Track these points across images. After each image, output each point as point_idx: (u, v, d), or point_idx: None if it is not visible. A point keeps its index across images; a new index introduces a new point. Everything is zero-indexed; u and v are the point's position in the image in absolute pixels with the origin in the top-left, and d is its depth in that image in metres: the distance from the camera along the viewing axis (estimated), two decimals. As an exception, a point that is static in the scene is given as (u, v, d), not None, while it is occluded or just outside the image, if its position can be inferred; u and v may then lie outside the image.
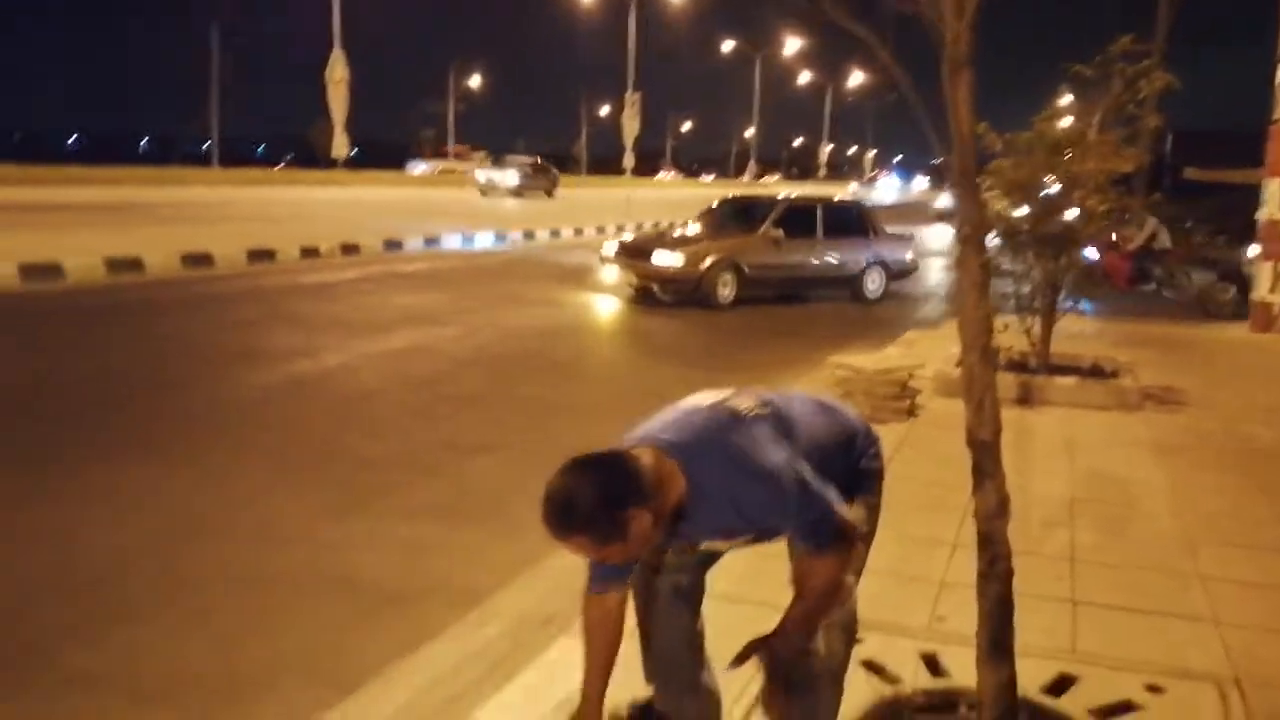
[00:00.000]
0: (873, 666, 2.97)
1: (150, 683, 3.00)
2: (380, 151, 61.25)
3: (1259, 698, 2.86)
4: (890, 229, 14.41)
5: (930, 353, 7.75)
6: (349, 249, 15.44)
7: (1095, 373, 7.21)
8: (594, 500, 1.92)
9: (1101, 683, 2.91)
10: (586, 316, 11.41)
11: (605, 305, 11.98)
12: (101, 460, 5.08)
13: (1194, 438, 5.98)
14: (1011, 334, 6.92)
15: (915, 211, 34.14)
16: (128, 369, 7.24)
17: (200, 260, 13.04)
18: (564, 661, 2.97)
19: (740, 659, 2.12)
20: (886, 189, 75.59)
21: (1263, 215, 10.46)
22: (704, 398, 2.22)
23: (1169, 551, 4.06)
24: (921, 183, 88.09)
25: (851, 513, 2.22)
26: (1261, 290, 10.47)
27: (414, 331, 9.18)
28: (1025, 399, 6.66)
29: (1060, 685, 2.90)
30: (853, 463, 2.34)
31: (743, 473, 2.04)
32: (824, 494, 2.08)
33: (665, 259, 11.78)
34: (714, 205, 13.92)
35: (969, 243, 2.34)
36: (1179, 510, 4.58)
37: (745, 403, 2.16)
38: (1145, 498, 4.77)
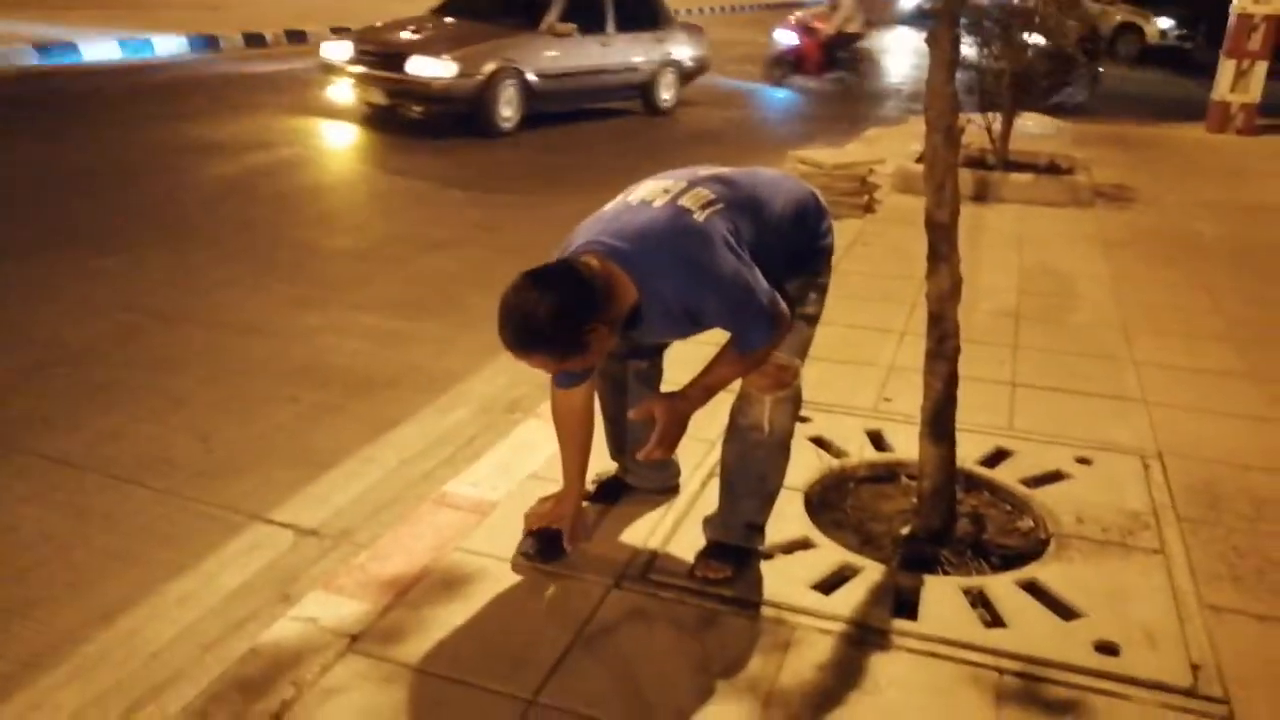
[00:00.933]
0: (820, 442, 3.13)
1: (128, 463, 3.09)
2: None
3: (1178, 468, 3.09)
4: (683, 18, 11.97)
5: (891, 149, 7.71)
6: (295, 36, 14.65)
7: (1051, 170, 7.26)
8: (552, 318, 1.94)
9: (1034, 455, 3.11)
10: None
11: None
12: (61, 252, 4.99)
13: (1141, 233, 6.12)
14: (972, 130, 6.89)
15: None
16: (79, 160, 6.97)
17: (140, 46, 12.33)
18: (531, 441, 3.11)
19: (641, 410, 2.22)
20: None
21: (1233, 9, 10.27)
22: (654, 192, 2.18)
23: (1107, 339, 4.24)
24: None
25: (798, 308, 2.31)
26: (1221, 89, 10.41)
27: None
28: (981, 195, 6.71)
29: (996, 458, 3.09)
30: (806, 239, 2.37)
31: (695, 280, 2.05)
32: (767, 307, 2.10)
33: (427, 68, 8.40)
34: None
35: (940, 19, 2.30)
36: (1120, 301, 4.75)
37: (699, 199, 2.14)
38: (1089, 290, 4.93)
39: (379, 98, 8.68)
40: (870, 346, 4.00)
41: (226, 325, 4.24)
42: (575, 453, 2.47)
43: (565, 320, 1.96)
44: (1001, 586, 2.45)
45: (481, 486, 2.84)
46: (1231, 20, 10.29)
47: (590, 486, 2.77)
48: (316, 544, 2.71)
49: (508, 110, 8.81)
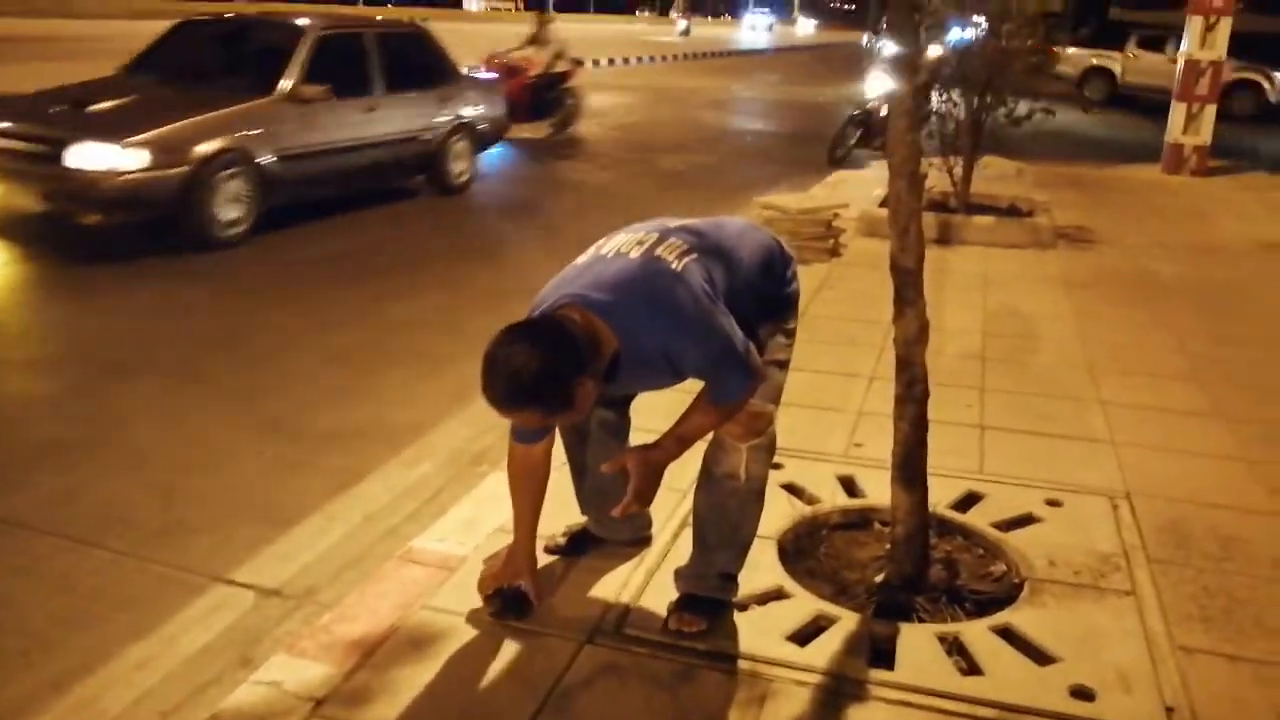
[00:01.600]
0: (792, 489, 3.12)
1: (84, 524, 3.01)
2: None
3: (1146, 508, 3.10)
4: (482, 79, 9.69)
5: (855, 193, 7.80)
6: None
7: (1012, 212, 7.37)
8: (541, 375, 1.92)
9: (1005, 498, 3.11)
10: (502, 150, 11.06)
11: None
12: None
13: (1102, 274, 6.21)
14: (934, 174, 7.00)
15: (839, 54, 33.58)
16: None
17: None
18: (498, 494, 3.05)
19: (614, 464, 2.19)
20: (754, 27, 67.96)
21: (1182, 54, 10.56)
22: (628, 244, 2.18)
23: (1073, 380, 4.27)
24: (806, 25, 78.91)
25: (768, 354, 2.33)
26: (1174, 132, 10.67)
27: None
28: (944, 238, 6.80)
29: (967, 502, 3.09)
30: (774, 286, 2.38)
31: (674, 328, 2.05)
32: (744, 356, 2.10)
33: (99, 158, 5.69)
34: (166, 36, 7.55)
35: (901, 69, 2.33)
36: (1084, 342, 4.80)
37: (673, 249, 2.14)
38: (1053, 330, 4.98)
39: (35, 200, 5.91)
40: (840, 391, 4.01)
41: (186, 377, 4.17)
42: (529, 507, 2.43)
43: (554, 377, 1.94)
44: (976, 633, 2.43)
45: (448, 542, 2.79)
46: (1180, 66, 10.58)
47: (560, 539, 2.74)
48: (279, 604, 2.64)
49: (233, 211, 6.17)
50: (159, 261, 5.86)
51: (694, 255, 2.14)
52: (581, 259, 2.23)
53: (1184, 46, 10.50)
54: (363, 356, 4.51)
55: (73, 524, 3.00)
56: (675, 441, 2.19)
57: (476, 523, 2.89)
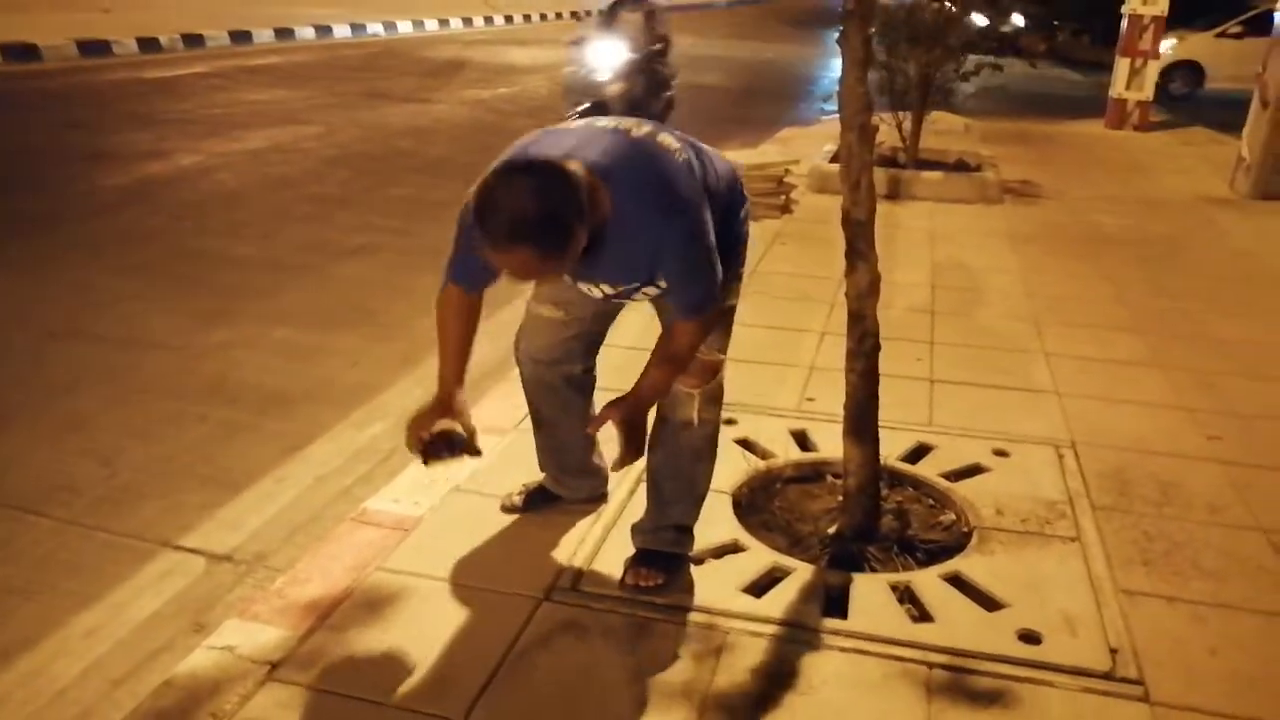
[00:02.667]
0: (746, 444, 3.14)
1: (26, 492, 2.94)
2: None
3: (1090, 456, 3.17)
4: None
5: (805, 149, 7.81)
6: (191, 39, 14.22)
7: (960, 167, 7.43)
8: (546, 212, 1.80)
9: (954, 450, 3.16)
10: (462, 113, 10.95)
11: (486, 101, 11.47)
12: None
13: (1046, 228, 6.30)
14: (883, 130, 7.01)
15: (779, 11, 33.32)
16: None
17: (24, 53, 11.82)
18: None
19: (598, 423, 2.15)
20: None
21: (1125, 10, 10.66)
22: (627, 124, 2.11)
23: (1019, 332, 4.34)
24: None
25: (726, 300, 2.27)
26: (1117, 86, 10.80)
27: (271, 130, 8.66)
28: (894, 193, 6.84)
29: (917, 453, 3.14)
30: (734, 218, 2.29)
31: (671, 221, 1.98)
32: (717, 268, 2.07)
33: None
34: None
35: (852, 19, 2.32)
36: (1030, 295, 4.88)
37: (673, 140, 2.09)
38: (1000, 284, 5.05)
39: None
40: (792, 347, 4.03)
41: (129, 341, 4.07)
42: (457, 348, 2.24)
43: (557, 216, 1.82)
44: (927, 581, 2.48)
45: (402, 502, 2.77)
46: (1124, 21, 10.69)
47: (516, 498, 2.73)
48: (230, 569, 2.61)
49: None
50: (97, 223, 5.70)
51: (689, 154, 2.10)
52: (575, 124, 2.13)
53: (1128, 2, 10.59)
54: (307, 318, 4.44)
55: (12, 493, 2.93)
56: (648, 387, 2.16)
57: (431, 483, 2.87)
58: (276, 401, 3.61)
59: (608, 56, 6.80)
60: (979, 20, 7.39)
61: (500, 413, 3.30)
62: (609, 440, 2.73)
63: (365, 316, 4.48)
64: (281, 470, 3.13)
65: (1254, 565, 2.63)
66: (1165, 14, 10.47)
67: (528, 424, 2.72)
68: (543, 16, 23.72)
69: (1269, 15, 14.08)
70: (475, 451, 2.25)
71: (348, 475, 3.10)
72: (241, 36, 15.21)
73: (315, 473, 3.12)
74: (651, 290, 2.14)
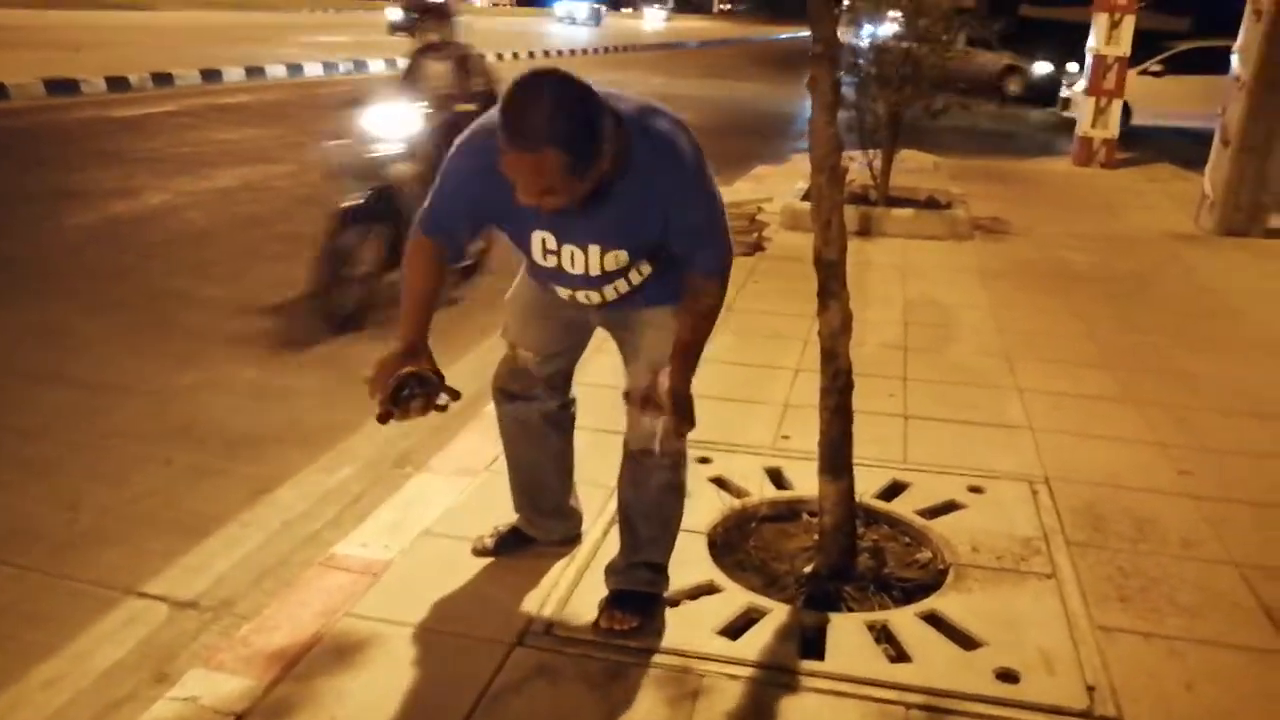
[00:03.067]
0: (721, 482, 3.12)
1: (-17, 538, 2.86)
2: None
3: (1064, 492, 3.17)
4: None
5: (778, 187, 7.87)
6: (161, 78, 14.19)
7: (930, 204, 7.51)
8: (579, 112, 1.77)
9: (929, 486, 3.15)
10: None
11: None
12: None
13: (1016, 264, 6.37)
14: (854, 168, 7.09)
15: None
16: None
17: (-12, 91, 11.75)
18: (423, 496, 3.01)
19: (645, 398, 2.07)
20: (570, 16, 46.30)
21: (1090, 50, 10.88)
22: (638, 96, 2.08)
23: (991, 368, 4.37)
24: (654, 17, 61.87)
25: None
26: (1084, 125, 11.00)
27: (241, 168, 8.63)
28: (865, 230, 6.89)
29: (892, 491, 3.13)
30: None
31: (688, 181, 1.99)
32: (728, 233, 2.11)
33: None
34: None
35: (820, 62, 2.34)
36: (1001, 331, 4.91)
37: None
38: (971, 320, 5.08)
39: None
40: (766, 384, 4.02)
41: (96, 384, 4.00)
42: (424, 304, 2.13)
43: (590, 120, 1.78)
44: (904, 620, 2.46)
45: (371, 546, 2.72)
46: (1089, 61, 10.91)
47: (488, 541, 2.69)
48: (195, 617, 2.55)
49: None
50: (64, 263, 5.63)
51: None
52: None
53: (1090, 43, 10.81)
54: (277, 359, 4.39)
55: (-29, 539, 2.85)
56: (687, 350, 2.10)
57: (401, 526, 2.82)
58: (245, 444, 3.56)
59: (396, 123, 4.86)
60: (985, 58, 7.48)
61: (471, 453, 3.27)
62: (584, 483, 2.72)
63: (335, 357, 4.43)
64: (249, 514, 3.07)
65: (1228, 600, 2.63)
66: (1128, 55, 10.71)
67: (499, 465, 2.69)
68: (515, 55, 23.90)
69: (1189, 54, 14.76)
70: (454, 393, 2.07)
71: (316, 519, 3.04)
72: (212, 75, 15.20)
73: (283, 516, 3.07)
74: (645, 268, 2.13)
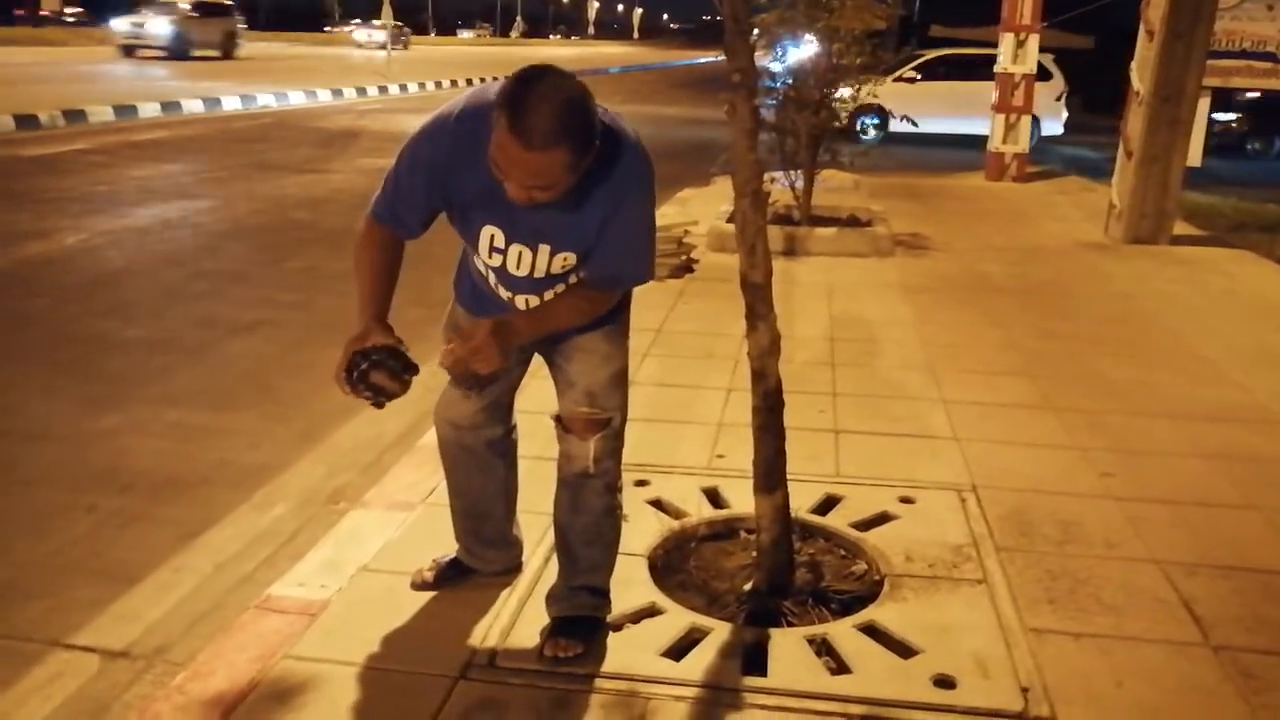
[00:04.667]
0: (659, 504, 3.14)
1: (-104, 597, 2.75)
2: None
3: (992, 499, 3.26)
4: None
5: (703, 209, 7.97)
6: (73, 115, 13.84)
7: (852, 222, 7.67)
8: (584, 111, 1.79)
9: (861, 499, 3.21)
10: (360, 183, 10.87)
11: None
12: None
13: (937, 278, 6.54)
14: (777, 189, 7.21)
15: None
16: None
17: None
18: (359, 532, 2.98)
19: (467, 336, 2.05)
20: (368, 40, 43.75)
21: (996, 69, 11.25)
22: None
23: (917, 381, 4.47)
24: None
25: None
26: (995, 141, 11.35)
27: (159, 205, 8.44)
28: (790, 250, 7.01)
29: (827, 505, 3.18)
30: None
31: (641, 177, 2.04)
32: (651, 259, 2.16)
33: None
34: None
35: (740, 90, 2.39)
36: (924, 343, 5.04)
37: None
38: (896, 334, 5.20)
39: None
40: (699, 404, 4.06)
41: (10, 432, 3.87)
42: (383, 282, 2.11)
43: (591, 121, 1.80)
44: (843, 632, 2.50)
45: (308, 586, 2.68)
46: (996, 80, 11.28)
47: (428, 574, 2.67)
48: (127, 666, 2.47)
49: None
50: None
51: None
52: None
53: (999, 61, 11.19)
54: (202, 399, 4.30)
55: (-118, 600, 2.73)
56: (529, 318, 2.15)
57: (338, 564, 2.79)
58: (172, 487, 3.47)
59: None
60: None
61: (408, 486, 3.24)
62: (522, 510, 2.71)
63: (263, 395, 4.36)
64: (179, 559, 3.00)
65: (1151, 597, 2.73)
66: (1034, 72, 11.10)
67: (436, 498, 2.68)
68: (437, 84, 23.84)
69: (939, 62, 15.54)
70: (413, 366, 2.04)
71: (249, 560, 2.99)
72: (126, 111, 14.87)
73: (215, 559, 3.00)
74: (569, 280, 2.15)
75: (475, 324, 2.12)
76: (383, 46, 31.48)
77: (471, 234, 2.12)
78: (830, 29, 7.21)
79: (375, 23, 38.74)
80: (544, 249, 2.07)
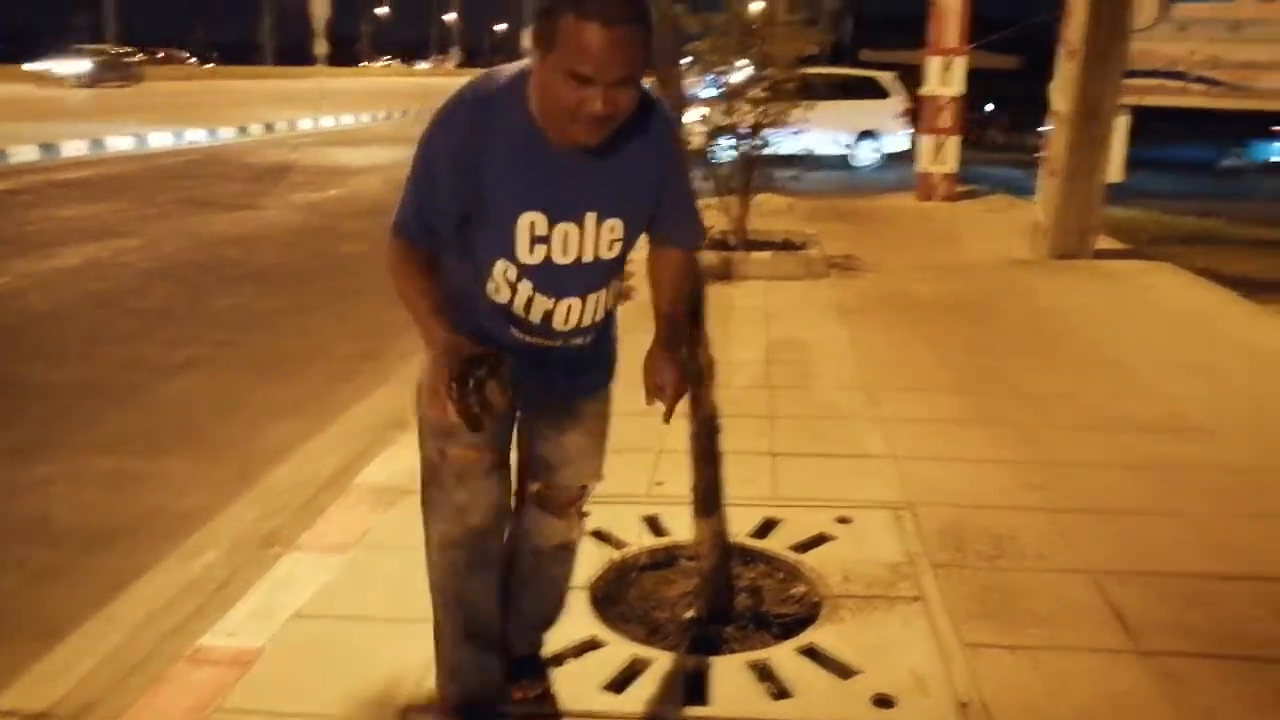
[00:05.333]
0: (600, 535, 3.13)
1: None
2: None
3: (927, 516, 3.31)
4: None
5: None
6: (-3, 156, 13.51)
7: (787, 246, 7.78)
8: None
9: (800, 521, 3.24)
10: (292, 218, 10.74)
11: (315, 203, 11.30)
12: None
13: (870, 298, 6.64)
14: (713, 214, 7.29)
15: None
16: None
17: None
18: (293, 577, 2.93)
19: (657, 385, 2.24)
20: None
21: (923, 91, 11.51)
22: None
23: (853, 401, 4.53)
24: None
25: None
26: (924, 162, 11.60)
27: (86, 245, 8.27)
28: (726, 274, 7.08)
29: (766, 528, 3.21)
30: None
31: (676, 131, 2.04)
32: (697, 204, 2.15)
33: None
34: None
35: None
36: (859, 363, 5.11)
37: None
38: (831, 355, 5.27)
39: None
40: (639, 432, 4.03)
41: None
42: (440, 300, 1.85)
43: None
44: (783, 656, 2.51)
45: (240, 635, 2.63)
46: (922, 101, 11.54)
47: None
48: (51, 728, 2.40)
49: None
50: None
51: None
52: None
53: (925, 84, 11.44)
54: (132, 445, 4.20)
55: None
56: (668, 327, 2.25)
57: (271, 610, 2.73)
58: (101, 538, 3.38)
59: None
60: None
61: (342, 528, 3.20)
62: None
63: (194, 437, 4.27)
64: (106, 612, 2.91)
65: (1082, 606, 2.79)
66: (962, 94, 11.36)
67: (372, 538, 2.66)
68: (373, 116, 23.74)
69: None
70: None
71: (180, 610, 2.90)
72: (49, 149, 14.55)
73: (145, 610, 2.92)
74: (616, 285, 2.12)
75: (657, 379, 2.24)
76: (86, 83, 29.25)
77: (506, 233, 1.86)
78: (763, 55, 7.34)
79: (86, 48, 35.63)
80: (590, 219, 1.89)
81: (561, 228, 1.87)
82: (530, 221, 1.85)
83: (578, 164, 1.82)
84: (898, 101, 15.43)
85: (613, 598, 2.85)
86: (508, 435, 2.12)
